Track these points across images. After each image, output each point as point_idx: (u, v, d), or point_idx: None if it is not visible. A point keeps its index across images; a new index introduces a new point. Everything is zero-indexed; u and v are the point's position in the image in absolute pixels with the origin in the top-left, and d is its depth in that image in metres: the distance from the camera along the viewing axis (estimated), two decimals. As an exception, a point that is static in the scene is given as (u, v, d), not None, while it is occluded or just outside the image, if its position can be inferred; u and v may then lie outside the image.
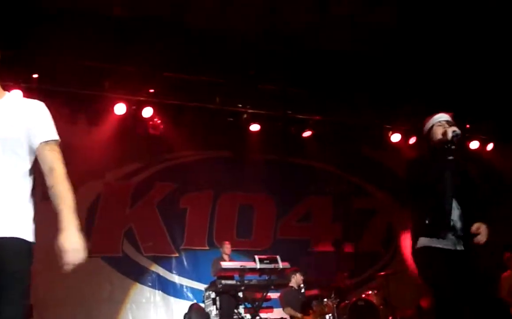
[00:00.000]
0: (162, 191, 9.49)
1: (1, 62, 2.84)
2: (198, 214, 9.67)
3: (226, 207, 9.93)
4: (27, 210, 2.70)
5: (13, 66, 7.09)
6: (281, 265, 7.72)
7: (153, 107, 8.76)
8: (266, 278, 7.78)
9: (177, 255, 9.37)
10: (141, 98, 8.70)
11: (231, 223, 9.96)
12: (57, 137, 2.80)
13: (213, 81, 8.96)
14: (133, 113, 8.71)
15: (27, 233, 2.68)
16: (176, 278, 9.30)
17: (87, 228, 8.83)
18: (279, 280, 7.91)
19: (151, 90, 8.63)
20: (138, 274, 9.06)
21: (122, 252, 9.04)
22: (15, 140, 2.71)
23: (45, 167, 2.77)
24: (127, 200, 9.28)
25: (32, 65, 7.64)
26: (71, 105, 8.21)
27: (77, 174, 8.22)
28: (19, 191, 2.70)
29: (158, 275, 9.21)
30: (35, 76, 7.63)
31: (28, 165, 2.76)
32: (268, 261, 7.65)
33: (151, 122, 8.83)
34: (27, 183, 2.75)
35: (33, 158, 2.76)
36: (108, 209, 9.08)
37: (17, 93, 7.41)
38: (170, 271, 9.31)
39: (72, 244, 2.59)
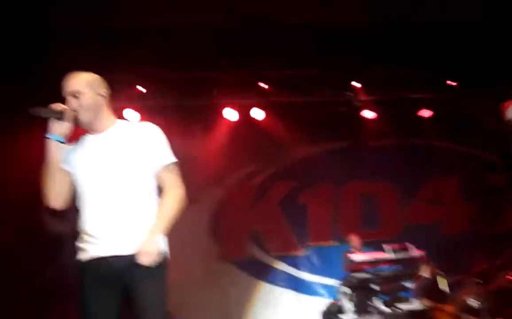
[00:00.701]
0: (282, 190, 9.43)
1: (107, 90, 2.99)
2: (320, 209, 9.49)
3: (348, 198, 9.66)
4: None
5: (122, 87, 7.29)
6: (412, 253, 7.40)
7: (262, 108, 8.78)
8: (399, 268, 7.48)
9: (304, 252, 9.24)
10: (250, 101, 8.71)
11: (356, 214, 9.64)
12: (174, 159, 2.97)
13: (320, 73, 8.71)
14: (244, 117, 8.76)
15: (162, 246, 2.87)
16: (305, 276, 9.18)
17: (212, 233, 9.01)
18: (411, 269, 7.52)
19: (261, 88, 8.52)
20: (266, 275, 9.06)
21: (248, 254, 9.09)
22: (134, 164, 2.88)
23: (164, 187, 2.98)
24: (249, 201, 9.34)
25: (139, 82, 7.81)
26: (184, 118, 8.35)
27: (197, 183, 8.58)
28: (147, 209, 2.89)
29: (287, 274, 9.14)
30: (142, 90, 7.79)
31: (151, 184, 2.95)
32: (399, 250, 7.34)
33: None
34: (153, 201, 2.95)
35: (153, 177, 2.95)
36: (231, 213, 9.18)
37: (131, 114, 7.82)
38: (299, 269, 9.19)
39: (147, 247, 2.72)
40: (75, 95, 2.90)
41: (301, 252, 9.19)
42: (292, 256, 9.18)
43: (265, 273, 9.02)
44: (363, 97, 9.09)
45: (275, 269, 9.08)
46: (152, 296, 2.76)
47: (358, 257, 7.61)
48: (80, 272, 2.85)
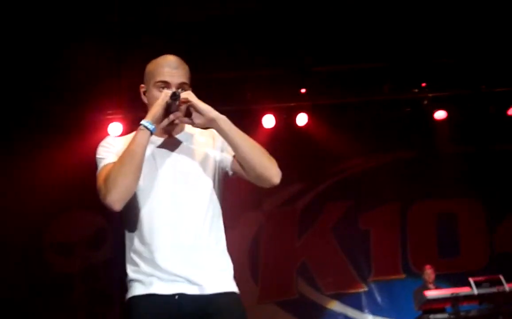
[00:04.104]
0: (335, 212, 8.66)
1: None
2: (385, 234, 8.65)
3: (420, 220, 8.71)
4: (228, 257, 2.71)
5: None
6: (507, 287, 6.76)
7: (306, 113, 7.96)
8: (489, 306, 6.92)
9: (366, 289, 8.51)
10: (291, 104, 7.96)
11: (430, 239, 8.71)
12: None
13: (377, 67, 7.88)
14: (285, 124, 8.02)
15: (235, 284, 2.69)
16: (369, 318, 8.38)
17: (252, 268, 8.39)
18: (508, 306, 6.81)
19: (302, 91, 7.85)
20: (321, 318, 8.34)
21: (297, 293, 8.38)
22: (206, 174, 2.70)
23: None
24: (294, 229, 8.60)
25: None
26: None
27: (232, 206, 7.75)
28: (219, 237, 2.68)
29: (346, 317, 8.38)
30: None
31: (220, 201, 2.74)
32: (488, 284, 6.83)
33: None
34: (221, 224, 2.73)
35: (222, 192, 2.76)
36: (274, 243, 8.57)
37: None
38: (361, 309, 8.46)
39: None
40: (183, 88, 2.66)
41: (362, 289, 8.52)
42: (351, 294, 8.48)
43: (320, 316, 8.37)
44: (432, 94, 8.16)
45: (331, 310, 8.44)
46: None
47: (435, 293, 7.21)
48: (134, 309, 2.61)
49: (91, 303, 7.78)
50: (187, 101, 2.58)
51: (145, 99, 2.69)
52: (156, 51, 2.85)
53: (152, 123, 2.52)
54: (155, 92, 2.61)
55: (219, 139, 2.72)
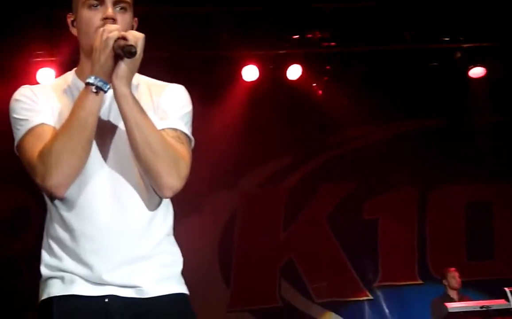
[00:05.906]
0: (332, 196, 8.83)
1: None
2: (398, 227, 8.83)
3: (444, 210, 8.91)
4: (175, 248, 2.75)
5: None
6: None
7: (300, 63, 7.99)
8: None
9: (370, 297, 8.78)
10: (280, 51, 8.03)
11: (456, 236, 9.00)
12: (189, 134, 2.72)
13: (394, 5, 7.90)
14: (271, 77, 8.09)
15: (184, 284, 2.74)
16: (373, 334, 8.67)
17: (223, 265, 8.54)
18: None
19: (295, 37, 7.90)
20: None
21: (280, 300, 8.57)
22: None
23: None
24: (279, 216, 8.73)
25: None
26: (176, 75, 7.65)
27: (199, 183, 7.54)
28: (164, 224, 2.71)
29: (344, 332, 8.67)
30: None
31: None
32: None
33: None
34: (170, 211, 2.78)
35: None
36: (252, 233, 8.71)
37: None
38: (363, 322, 8.71)
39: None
40: (123, 8, 2.63)
41: (365, 297, 8.72)
42: (350, 303, 8.68)
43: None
44: (468, 44, 8.25)
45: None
46: None
47: (460, 305, 7.55)
48: (48, 315, 2.59)
49: (8, 304, 7.73)
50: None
51: (74, 31, 2.63)
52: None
53: (104, 81, 2.46)
54: (85, 13, 2.57)
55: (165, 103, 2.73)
